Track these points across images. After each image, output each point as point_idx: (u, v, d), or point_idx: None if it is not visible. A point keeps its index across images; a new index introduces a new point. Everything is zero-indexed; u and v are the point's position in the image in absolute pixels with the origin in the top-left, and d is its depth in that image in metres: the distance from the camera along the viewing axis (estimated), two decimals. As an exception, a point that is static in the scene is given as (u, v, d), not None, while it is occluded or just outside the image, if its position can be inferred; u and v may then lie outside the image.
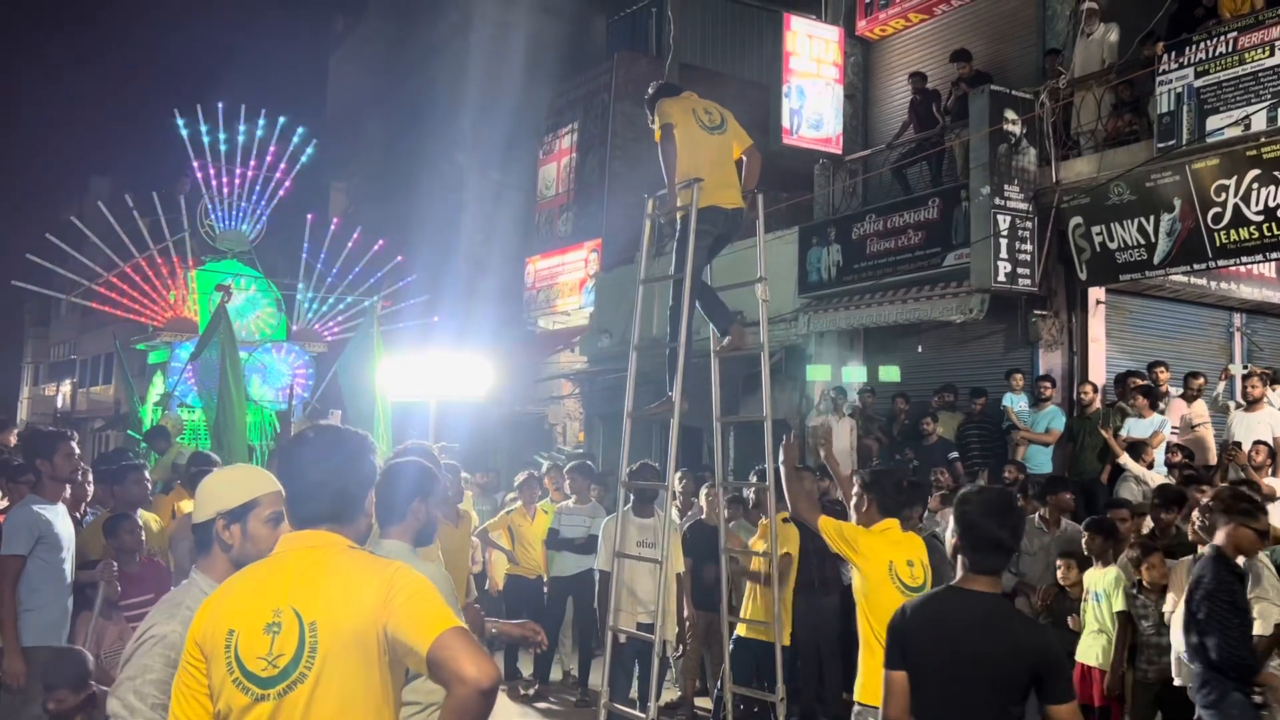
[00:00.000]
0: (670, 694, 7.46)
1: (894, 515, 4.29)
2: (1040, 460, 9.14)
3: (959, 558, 3.07)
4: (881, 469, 4.50)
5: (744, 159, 5.50)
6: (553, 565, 8.33)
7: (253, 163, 17.98)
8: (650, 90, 5.61)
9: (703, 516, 7.29)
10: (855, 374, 11.46)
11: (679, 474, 8.57)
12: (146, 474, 5.85)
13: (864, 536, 4.17)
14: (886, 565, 4.07)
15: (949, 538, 3.93)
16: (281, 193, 18.12)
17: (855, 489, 4.37)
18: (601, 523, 8.24)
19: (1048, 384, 9.35)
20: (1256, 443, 7.48)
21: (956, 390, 10.31)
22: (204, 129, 17.51)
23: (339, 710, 2.07)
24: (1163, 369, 9.22)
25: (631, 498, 6.86)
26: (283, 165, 18.13)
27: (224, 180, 17.78)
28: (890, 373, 11.15)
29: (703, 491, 7.49)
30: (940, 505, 7.47)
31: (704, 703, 7.32)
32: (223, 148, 17.78)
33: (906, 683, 2.92)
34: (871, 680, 3.84)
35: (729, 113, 5.54)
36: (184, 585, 2.64)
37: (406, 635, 2.03)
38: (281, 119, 18.01)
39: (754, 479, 6.54)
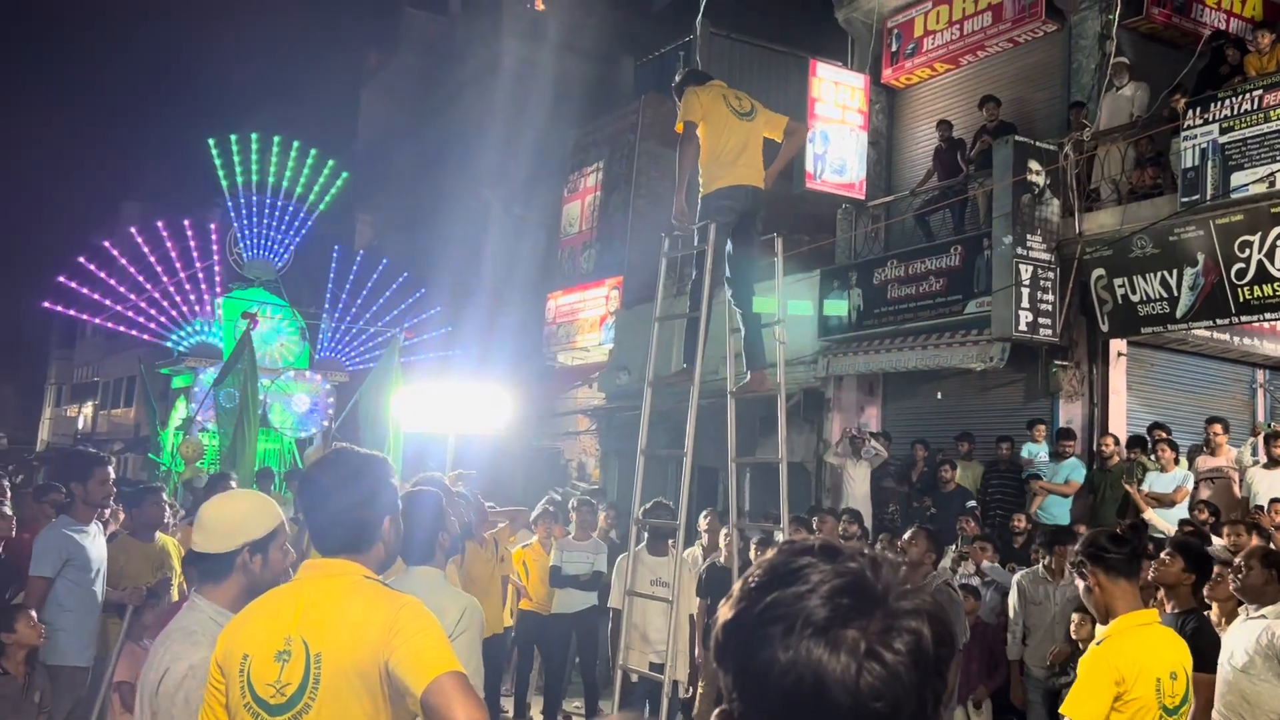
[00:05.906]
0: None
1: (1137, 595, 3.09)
2: (1058, 512, 9.05)
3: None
4: (1104, 532, 3.28)
5: (785, 137, 5.52)
6: (556, 602, 8.27)
7: (283, 193, 18.23)
8: (678, 76, 5.62)
9: (721, 558, 7.24)
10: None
11: (705, 513, 8.54)
12: (164, 497, 5.90)
13: (1126, 666, 2.91)
14: (1155, 691, 2.94)
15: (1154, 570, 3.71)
16: (310, 223, 18.34)
17: (1077, 559, 3.20)
18: (604, 558, 8.22)
19: (1070, 442, 9.24)
20: (1274, 501, 7.41)
21: (974, 439, 10.26)
22: (236, 158, 17.78)
23: None
24: (1219, 426, 8.70)
25: (645, 536, 6.82)
26: (312, 197, 18.37)
27: (254, 209, 18.01)
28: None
29: (721, 533, 7.44)
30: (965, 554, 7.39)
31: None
32: (254, 177, 18.03)
33: None
34: None
35: (759, 102, 5.54)
36: (186, 611, 2.57)
37: (404, 675, 2.02)
38: (313, 150, 18.29)
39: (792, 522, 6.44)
